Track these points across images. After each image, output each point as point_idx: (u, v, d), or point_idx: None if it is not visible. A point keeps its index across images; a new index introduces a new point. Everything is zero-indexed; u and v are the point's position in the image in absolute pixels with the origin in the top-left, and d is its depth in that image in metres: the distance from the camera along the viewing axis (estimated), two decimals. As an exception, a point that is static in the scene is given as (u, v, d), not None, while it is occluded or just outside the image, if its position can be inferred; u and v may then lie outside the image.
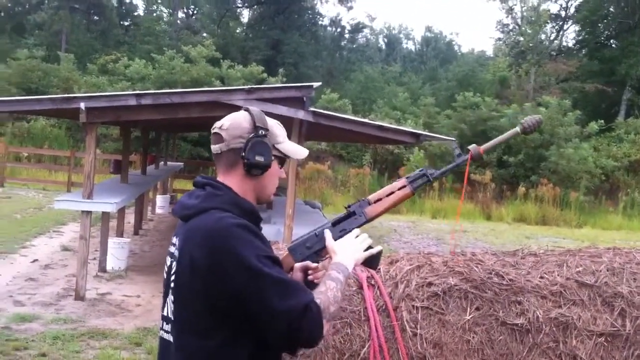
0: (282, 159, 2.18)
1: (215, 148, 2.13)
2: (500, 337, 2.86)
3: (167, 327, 2.05)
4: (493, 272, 3.09)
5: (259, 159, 2.07)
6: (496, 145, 2.72)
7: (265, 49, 39.70)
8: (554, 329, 2.86)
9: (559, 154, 24.16)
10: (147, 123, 12.65)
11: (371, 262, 2.29)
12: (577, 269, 3.11)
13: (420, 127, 24.93)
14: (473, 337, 2.86)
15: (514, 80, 37.00)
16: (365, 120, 11.06)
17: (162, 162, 18.07)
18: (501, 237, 16.33)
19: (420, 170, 2.48)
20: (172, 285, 2.03)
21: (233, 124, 2.10)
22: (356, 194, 22.31)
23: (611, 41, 38.68)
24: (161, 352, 2.10)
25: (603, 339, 2.85)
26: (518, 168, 25.13)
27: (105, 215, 9.56)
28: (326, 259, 2.29)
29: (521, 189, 22.82)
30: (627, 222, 21.88)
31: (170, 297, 2.03)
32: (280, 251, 2.24)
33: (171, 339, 2.02)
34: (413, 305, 2.97)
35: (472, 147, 2.61)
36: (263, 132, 2.08)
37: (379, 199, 2.42)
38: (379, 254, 2.30)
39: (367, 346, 2.83)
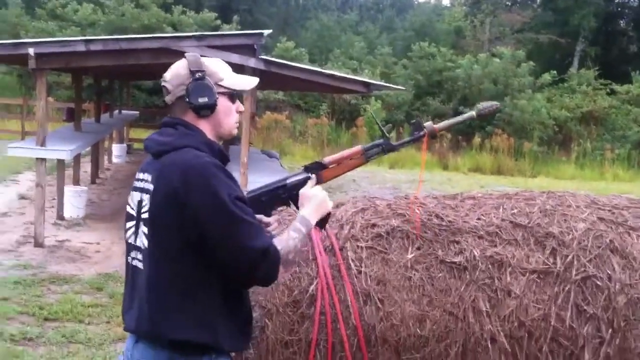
0: (231, 94, 2.28)
1: (166, 100, 2.27)
2: (440, 274, 3.03)
3: (139, 255, 2.18)
4: (433, 214, 3.25)
5: (202, 100, 2.18)
6: (451, 125, 2.91)
7: (219, -5, 38.98)
8: (490, 266, 3.04)
9: (513, 105, 24.50)
10: (97, 70, 12.50)
11: (323, 222, 2.43)
12: (513, 211, 3.29)
13: (377, 77, 24.96)
14: (414, 274, 3.02)
15: (469, 31, 37.16)
16: (316, 68, 11.12)
17: (117, 111, 17.86)
18: (457, 187, 16.64)
19: (378, 142, 2.61)
20: (144, 217, 2.14)
21: (173, 74, 2.23)
22: (314, 144, 22.40)
23: (565, -9, 38.92)
24: (131, 278, 2.24)
25: (535, 276, 3.03)
26: (473, 119, 25.37)
27: (61, 163, 9.51)
28: (278, 214, 2.46)
29: (477, 140, 23.13)
30: (580, 172, 22.38)
31: (143, 229, 2.15)
32: None
33: (141, 266, 2.16)
34: (358, 245, 3.12)
35: (427, 125, 2.75)
36: (200, 75, 2.18)
37: (335, 164, 2.56)
38: (329, 215, 2.45)
39: (315, 283, 2.98)
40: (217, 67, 2.27)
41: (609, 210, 3.34)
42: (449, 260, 3.06)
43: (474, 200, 3.43)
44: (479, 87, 25.92)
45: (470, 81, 26.25)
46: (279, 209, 2.57)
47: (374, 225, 3.17)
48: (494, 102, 2.98)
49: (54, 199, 9.92)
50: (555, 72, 27.79)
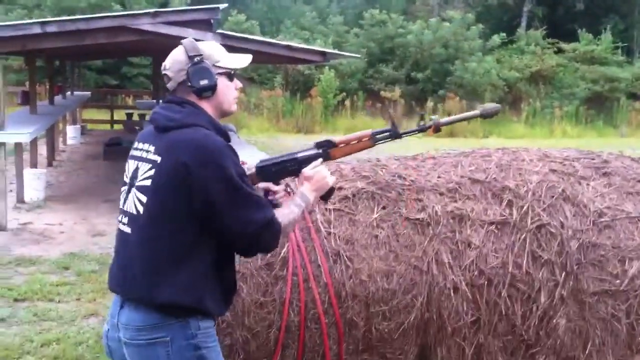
0: (229, 73, 2.41)
1: (169, 87, 2.39)
2: (404, 231, 3.20)
3: (125, 219, 2.32)
4: (396, 175, 3.41)
5: (203, 82, 2.31)
6: (455, 121, 3.11)
7: (167, -30, 38.32)
8: (451, 220, 3.22)
9: (464, 67, 24.86)
10: (51, 52, 12.34)
11: (327, 195, 2.62)
12: (470, 168, 3.46)
13: (329, 46, 24.93)
14: (380, 232, 3.19)
15: (418, -4, 37.27)
16: (274, 40, 11.18)
17: (69, 92, 17.62)
18: (412, 151, 16.82)
19: (387, 128, 2.86)
20: (139, 184, 2.27)
21: (172, 62, 2.36)
22: (270, 116, 22.40)
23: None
24: (119, 241, 2.37)
25: (493, 227, 3.21)
26: (426, 83, 25.73)
27: (19, 147, 9.42)
28: (285, 184, 2.64)
29: (429, 104, 23.40)
30: (530, 131, 22.93)
31: (137, 195, 2.27)
32: (248, 170, 2.51)
33: (127, 230, 2.30)
34: (326, 208, 3.26)
35: (434, 118, 2.99)
36: (198, 59, 2.31)
37: (344, 144, 2.75)
38: (334, 189, 2.64)
39: (286, 247, 3.12)
40: (213, 50, 2.40)
41: (560, 163, 3.53)
42: (412, 217, 3.23)
43: (434, 159, 3.60)
44: (431, 52, 26.16)
45: (421, 46, 26.45)
46: (287, 179, 2.72)
47: (340, 188, 3.32)
48: (497, 105, 3.19)
49: (12, 183, 9.83)
50: (504, 34, 28.19)
